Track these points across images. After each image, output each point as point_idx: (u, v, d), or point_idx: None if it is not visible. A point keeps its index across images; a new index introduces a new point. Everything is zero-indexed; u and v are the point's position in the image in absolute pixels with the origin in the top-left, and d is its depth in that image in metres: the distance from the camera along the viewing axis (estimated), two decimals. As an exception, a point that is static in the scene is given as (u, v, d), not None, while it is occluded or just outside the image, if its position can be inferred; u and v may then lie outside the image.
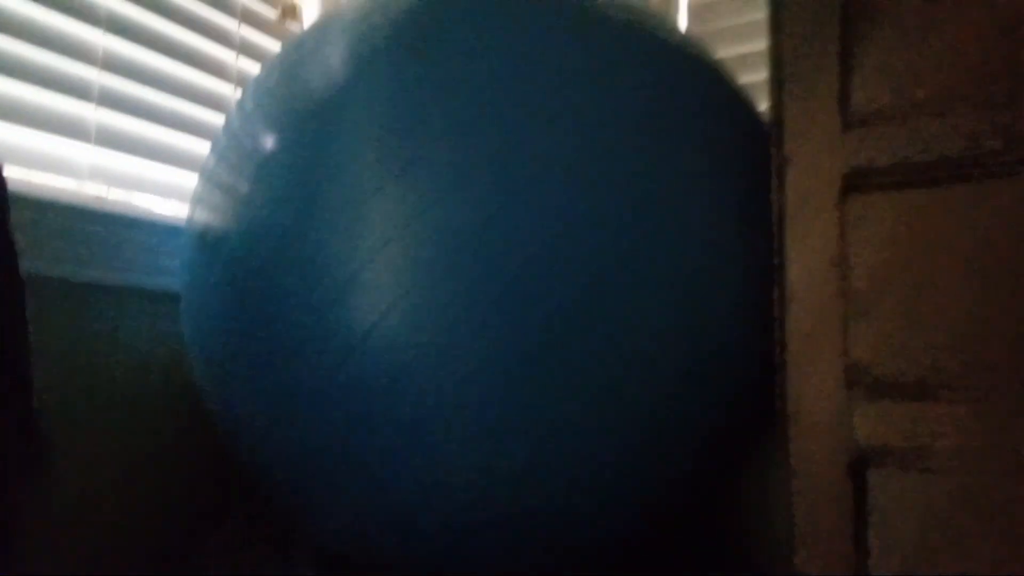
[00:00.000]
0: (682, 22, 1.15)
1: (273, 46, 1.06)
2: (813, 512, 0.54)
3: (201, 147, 0.93)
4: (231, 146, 0.67)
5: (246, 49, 1.01)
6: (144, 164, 0.88)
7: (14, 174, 0.75)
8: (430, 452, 0.57)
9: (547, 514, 0.61)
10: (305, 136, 0.60)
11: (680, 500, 0.68)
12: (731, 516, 0.85)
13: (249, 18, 1.02)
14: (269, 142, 0.62)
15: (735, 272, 0.62)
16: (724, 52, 1.10)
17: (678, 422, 0.61)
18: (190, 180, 0.91)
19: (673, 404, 0.60)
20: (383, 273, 0.55)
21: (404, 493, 0.59)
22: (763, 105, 0.66)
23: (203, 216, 0.67)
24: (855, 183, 0.54)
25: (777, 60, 0.58)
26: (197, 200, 0.70)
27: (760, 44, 1.01)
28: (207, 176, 0.69)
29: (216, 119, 0.96)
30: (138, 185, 0.87)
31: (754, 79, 0.93)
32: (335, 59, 0.63)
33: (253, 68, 1.02)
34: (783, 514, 0.55)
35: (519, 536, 0.62)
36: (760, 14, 1.03)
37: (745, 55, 1.04)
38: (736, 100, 0.72)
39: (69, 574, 0.74)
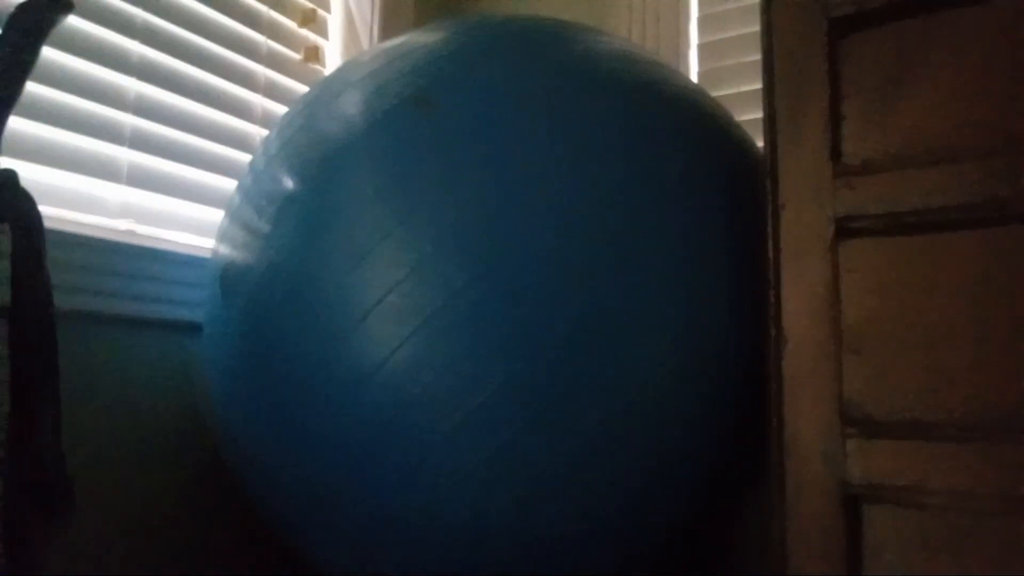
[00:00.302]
0: (693, 61, 1.18)
1: (296, 87, 1.10)
2: (807, 548, 0.55)
3: (226, 184, 0.98)
4: (254, 186, 0.70)
5: (270, 90, 1.06)
6: (172, 202, 0.92)
7: (49, 212, 0.79)
8: (430, 490, 0.59)
9: (545, 553, 0.63)
10: (318, 182, 0.63)
11: (675, 542, 0.69)
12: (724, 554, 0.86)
13: (274, 61, 1.07)
14: (287, 185, 0.66)
15: (726, 312, 0.64)
16: (733, 89, 1.13)
17: (673, 465, 0.63)
18: (216, 216, 0.95)
19: (669, 447, 0.62)
20: (389, 316, 0.58)
21: (403, 529, 0.61)
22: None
23: (226, 252, 0.71)
24: (847, 229, 0.56)
25: (770, 112, 0.60)
26: (222, 236, 0.73)
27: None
28: (231, 213, 0.73)
29: (241, 157, 1.00)
30: (166, 222, 0.91)
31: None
32: (348, 109, 0.66)
33: (277, 108, 1.06)
34: (777, 551, 0.57)
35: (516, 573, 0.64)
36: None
37: (755, 91, 1.06)
38: (734, 145, 0.74)
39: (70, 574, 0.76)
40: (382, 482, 0.60)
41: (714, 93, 1.06)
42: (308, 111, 0.70)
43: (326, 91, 0.71)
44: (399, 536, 0.63)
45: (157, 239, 0.89)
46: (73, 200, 0.82)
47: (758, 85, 1.07)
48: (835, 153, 0.58)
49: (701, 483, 0.66)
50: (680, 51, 1.17)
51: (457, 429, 0.58)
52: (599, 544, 0.63)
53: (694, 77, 1.16)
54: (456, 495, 0.59)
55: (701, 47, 1.17)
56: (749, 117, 1.03)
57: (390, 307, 0.58)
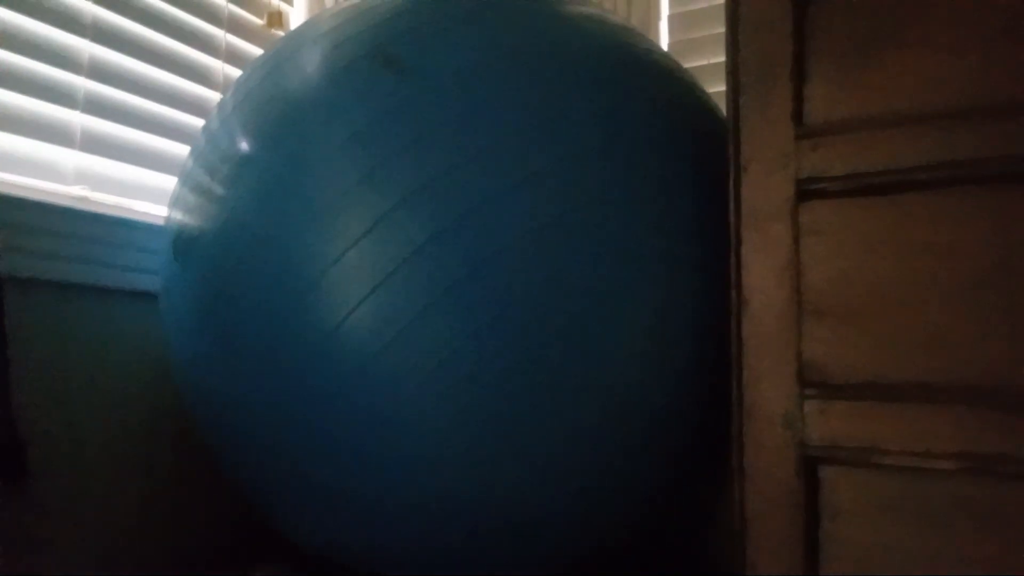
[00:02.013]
0: (663, 32, 1.17)
1: (259, 52, 1.08)
2: (765, 509, 0.55)
3: (186, 152, 0.95)
4: (208, 148, 0.69)
5: (232, 56, 1.03)
6: (130, 169, 0.90)
7: (-1, 177, 0.77)
8: (397, 446, 0.58)
9: (515, 522, 0.62)
10: (278, 140, 0.62)
11: (647, 522, 0.69)
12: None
13: (235, 25, 1.04)
14: (244, 145, 0.64)
15: (696, 274, 0.64)
16: (704, 60, 1.12)
17: (648, 434, 0.62)
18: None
19: (643, 414, 0.61)
20: (350, 272, 0.56)
21: (373, 488, 0.60)
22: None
23: (179, 216, 0.69)
24: (809, 191, 0.56)
25: (733, 73, 0.59)
26: (174, 201, 0.72)
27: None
28: (184, 177, 0.71)
29: (201, 124, 0.98)
30: (123, 190, 0.89)
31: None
32: (310, 66, 0.64)
33: (238, 74, 1.04)
34: (737, 514, 0.57)
35: (490, 527, 0.63)
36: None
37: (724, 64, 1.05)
38: (702, 111, 0.73)
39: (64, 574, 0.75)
40: (348, 441, 0.60)
41: (684, 64, 1.05)
42: (265, 70, 0.68)
43: (284, 49, 0.69)
44: (364, 500, 0.62)
45: (114, 207, 0.87)
46: (24, 165, 0.79)
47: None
48: (798, 115, 0.57)
49: (679, 446, 0.65)
50: (651, 22, 1.15)
51: (421, 388, 0.57)
52: (573, 506, 0.63)
53: (664, 48, 1.15)
54: (421, 457, 0.58)
55: (671, 18, 1.16)
56: (719, 89, 1.02)
57: (349, 265, 0.56)
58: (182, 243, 0.67)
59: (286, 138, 0.62)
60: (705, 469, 0.72)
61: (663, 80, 0.71)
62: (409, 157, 0.58)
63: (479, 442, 0.58)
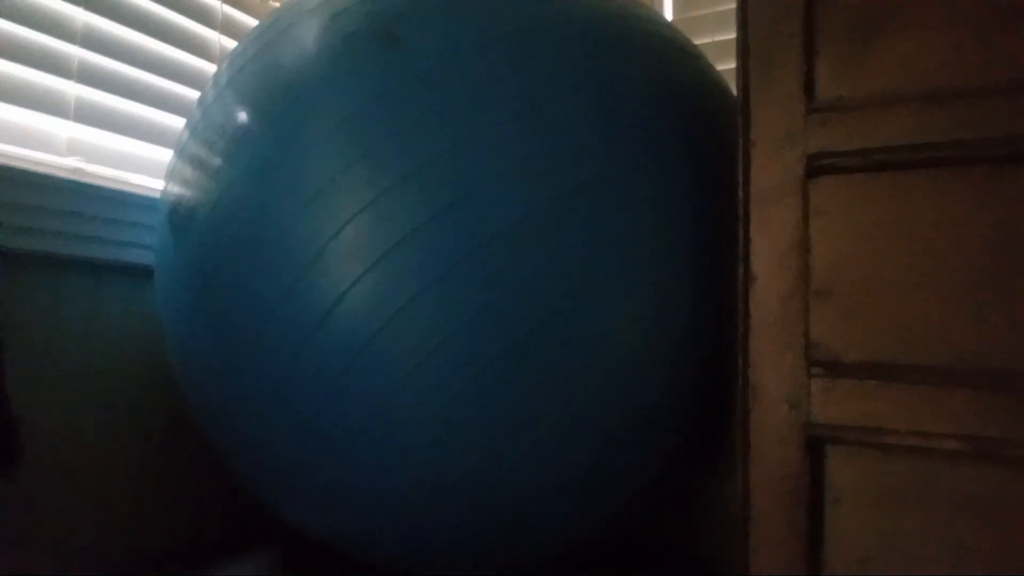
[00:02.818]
0: (668, 9, 1.15)
1: (256, 24, 1.06)
2: (769, 490, 0.55)
3: (182, 124, 0.94)
4: (204, 121, 0.67)
5: (229, 28, 1.01)
6: (125, 141, 0.88)
7: (-9, 148, 0.75)
8: (392, 428, 0.57)
9: (510, 507, 0.62)
10: (274, 114, 0.60)
11: (643, 505, 0.68)
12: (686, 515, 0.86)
13: (232, -3, 1.02)
14: (240, 119, 0.63)
15: (697, 257, 0.63)
16: (708, 38, 1.10)
17: (644, 417, 0.62)
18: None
19: (639, 396, 0.61)
20: (347, 250, 0.55)
21: (367, 469, 0.60)
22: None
23: (175, 191, 0.68)
24: (819, 167, 0.55)
25: (743, 49, 0.58)
26: (170, 175, 0.70)
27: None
28: (180, 150, 0.69)
29: (197, 96, 0.96)
30: (118, 162, 0.87)
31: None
32: (306, 40, 0.63)
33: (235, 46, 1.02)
34: (740, 495, 0.56)
35: (484, 512, 0.63)
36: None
37: (731, 41, 1.04)
38: (706, 86, 0.72)
39: (58, 572, 0.75)
40: (343, 421, 0.59)
41: (688, 41, 1.04)
42: (260, 42, 0.67)
43: (279, 21, 0.67)
44: (360, 483, 0.61)
45: (108, 179, 0.86)
46: (17, 135, 0.78)
47: (734, 34, 1.05)
48: (808, 90, 0.56)
49: (672, 437, 0.65)
50: (654, 1, 1.14)
51: (417, 369, 0.56)
52: (566, 496, 0.62)
53: (668, 25, 1.14)
54: (418, 439, 0.57)
55: (676, -6, 1.14)
56: (725, 67, 1.01)
57: (346, 242, 0.55)
58: (178, 218, 0.66)
59: (280, 116, 0.61)
60: (699, 461, 0.72)
61: (666, 55, 0.70)
62: (404, 139, 0.57)
63: (473, 427, 0.57)
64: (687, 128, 0.66)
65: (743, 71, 0.58)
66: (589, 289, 0.58)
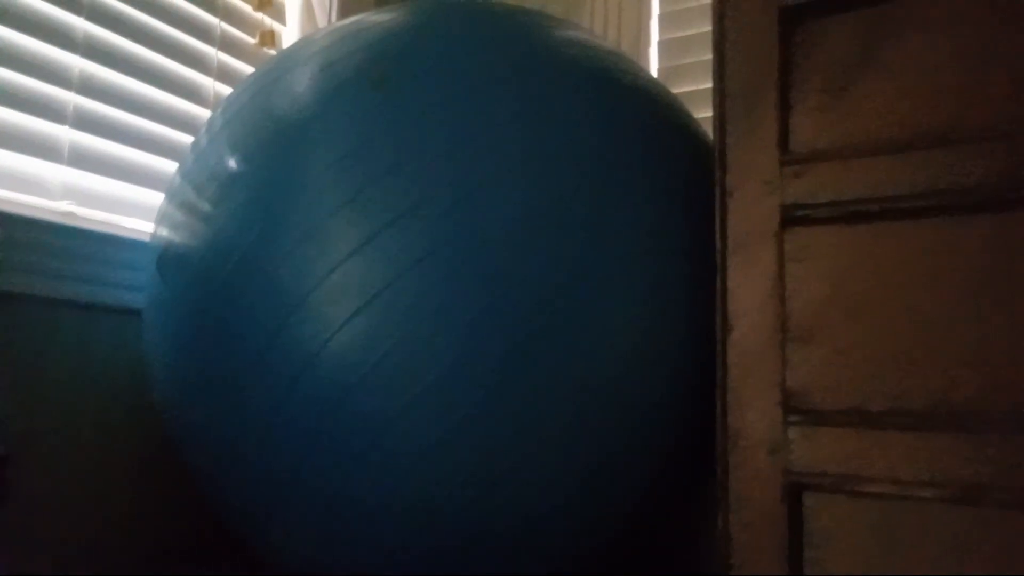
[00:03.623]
0: (653, 57, 1.18)
1: (250, 71, 1.08)
2: (749, 535, 0.55)
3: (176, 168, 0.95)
4: (196, 165, 0.68)
5: (223, 74, 1.04)
6: (118, 185, 0.89)
7: (-15, 192, 0.76)
8: (381, 472, 0.58)
9: (500, 538, 0.62)
10: (265, 159, 0.62)
11: (631, 532, 0.68)
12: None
13: (227, 44, 1.05)
14: (232, 163, 0.64)
15: (684, 298, 0.64)
16: (692, 86, 1.13)
17: (631, 449, 0.62)
18: (162, 201, 0.92)
19: (626, 430, 0.61)
20: (335, 294, 0.56)
21: (355, 512, 0.60)
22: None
23: (166, 234, 0.69)
24: (794, 217, 0.56)
25: (720, 100, 0.60)
26: (161, 218, 0.71)
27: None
28: (171, 194, 0.71)
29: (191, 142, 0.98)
30: (111, 206, 0.88)
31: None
32: (300, 86, 0.65)
33: (230, 92, 1.04)
34: (721, 540, 0.56)
35: (469, 556, 0.63)
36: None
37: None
38: (689, 136, 0.74)
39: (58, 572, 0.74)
40: (332, 463, 0.59)
41: (673, 90, 1.06)
42: (254, 89, 0.68)
43: (274, 68, 0.69)
44: (351, 519, 0.61)
45: (101, 223, 0.87)
46: (11, 179, 0.79)
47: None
48: (783, 141, 0.58)
49: (659, 468, 0.65)
50: (641, 47, 1.17)
51: (408, 408, 0.56)
52: (556, 528, 0.62)
53: (654, 73, 1.16)
54: (409, 476, 0.57)
55: (661, 44, 1.17)
56: (708, 115, 1.03)
57: (336, 284, 0.56)
58: (167, 260, 0.67)
59: (273, 158, 0.62)
60: (696, 467, 0.72)
61: (650, 106, 0.72)
62: (396, 179, 0.58)
63: (463, 453, 0.58)
64: (674, 172, 0.68)
65: (720, 124, 0.60)
66: (583, 326, 0.59)
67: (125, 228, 0.89)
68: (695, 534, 0.88)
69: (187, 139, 0.97)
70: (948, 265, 0.52)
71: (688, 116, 0.79)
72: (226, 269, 0.61)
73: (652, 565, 0.81)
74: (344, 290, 0.56)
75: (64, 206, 0.83)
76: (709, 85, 1.10)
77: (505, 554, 0.63)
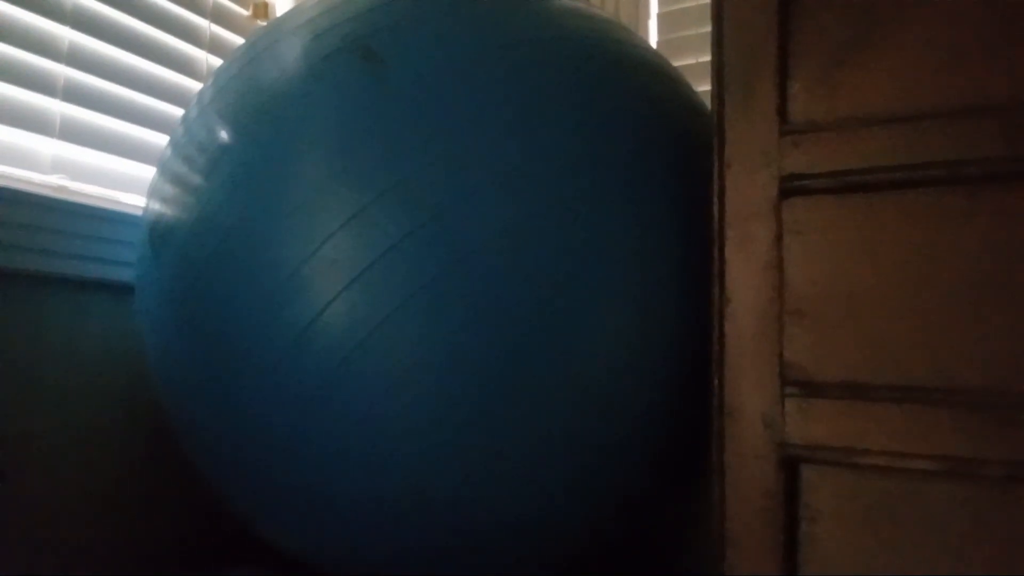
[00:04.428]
0: (652, 31, 1.16)
1: (244, 44, 1.06)
2: (745, 510, 0.55)
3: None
4: (186, 138, 0.67)
5: (216, 47, 1.02)
6: (110, 159, 0.88)
7: (-26, 165, 0.75)
8: (368, 452, 0.57)
9: (490, 532, 0.62)
10: (255, 132, 0.61)
11: (623, 528, 0.68)
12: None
13: (220, 16, 1.03)
14: (221, 136, 0.63)
15: (679, 278, 0.64)
16: (692, 59, 1.11)
17: (624, 443, 0.62)
18: (155, 175, 0.91)
19: (621, 422, 0.61)
20: (324, 269, 0.55)
21: (346, 489, 0.60)
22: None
23: (156, 207, 0.68)
24: (792, 188, 0.56)
25: (719, 72, 0.59)
26: (152, 191, 0.70)
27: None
28: (162, 167, 0.70)
29: (184, 115, 0.97)
30: (103, 179, 0.88)
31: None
32: (289, 58, 0.64)
33: (223, 66, 1.03)
34: (716, 514, 0.56)
35: (469, 527, 0.62)
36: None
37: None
38: (687, 108, 0.73)
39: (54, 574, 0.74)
40: (321, 441, 0.59)
41: (673, 63, 1.05)
42: (245, 60, 0.67)
43: (264, 39, 0.68)
44: (338, 501, 0.61)
45: (92, 197, 0.86)
46: (1, 153, 0.78)
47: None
48: (782, 112, 0.57)
49: (653, 468, 0.65)
50: (640, 20, 1.15)
51: (395, 388, 0.56)
52: (547, 524, 0.62)
53: (653, 46, 1.15)
54: (396, 456, 0.57)
55: (661, 16, 1.16)
56: (708, 88, 1.02)
57: (324, 260, 0.55)
58: (158, 234, 0.66)
59: (262, 131, 0.61)
60: (686, 469, 0.72)
61: (647, 76, 0.71)
62: (385, 153, 0.57)
63: (456, 441, 0.57)
64: (671, 144, 0.67)
65: (718, 94, 0.59)
66: (571, 301, 0.58)
67: (118, 202, 0.88)
68: (689, 535, 0.88)
69: (180, 112, 0.96)
70: (944, 239, 0.51)
71: (687, 88, 0.78)
72: (214, 243, 0.61)
73: (647, 565, 0.81)
74: (333, 265, 0.55)
75: (55, 180, 0.82)
76: (709, 58, 1.09)
77: (493, 541, 0.63)
